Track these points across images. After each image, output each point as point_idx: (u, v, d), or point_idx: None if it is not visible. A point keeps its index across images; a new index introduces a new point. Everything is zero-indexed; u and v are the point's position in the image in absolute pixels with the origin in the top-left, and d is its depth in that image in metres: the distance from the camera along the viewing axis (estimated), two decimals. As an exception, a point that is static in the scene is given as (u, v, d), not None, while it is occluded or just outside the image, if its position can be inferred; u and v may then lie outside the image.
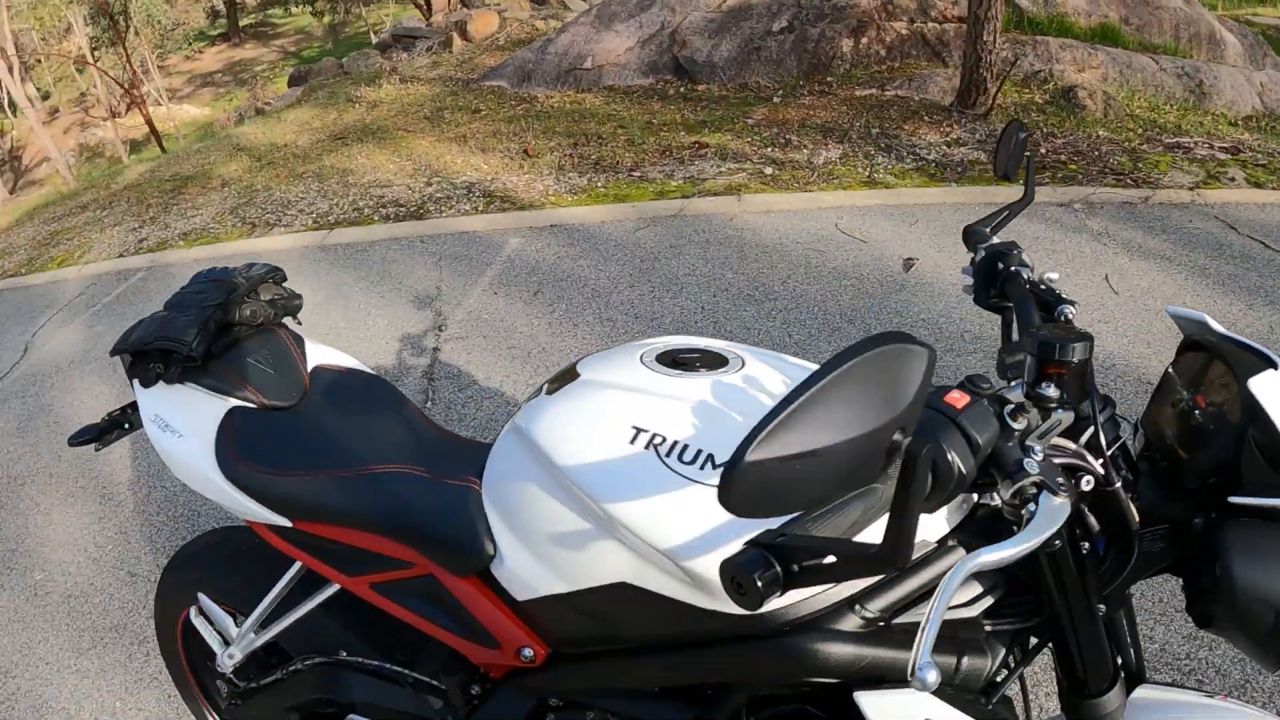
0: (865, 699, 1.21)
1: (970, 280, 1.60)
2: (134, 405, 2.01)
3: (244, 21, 47.85)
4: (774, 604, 1.17)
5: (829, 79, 8.59)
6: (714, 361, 1.40)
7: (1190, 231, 4.95)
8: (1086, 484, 1.08)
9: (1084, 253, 4.74)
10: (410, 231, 6.20)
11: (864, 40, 8.80)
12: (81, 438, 1.93)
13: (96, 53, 31.40)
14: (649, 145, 7.15)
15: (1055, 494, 0.96)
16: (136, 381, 1.87)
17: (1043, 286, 1.45)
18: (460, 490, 1.58)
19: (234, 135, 12.38)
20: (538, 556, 1.42)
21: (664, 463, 1.24)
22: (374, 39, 28.02)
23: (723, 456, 1.22)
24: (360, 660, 1.82)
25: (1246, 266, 4.47)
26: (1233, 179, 5.81)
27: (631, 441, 1.28)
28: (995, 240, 1.64)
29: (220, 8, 46.00)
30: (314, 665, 1.86)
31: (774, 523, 1.01)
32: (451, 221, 6.21)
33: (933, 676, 0.81)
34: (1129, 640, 1.29)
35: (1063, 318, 1.35)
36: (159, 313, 1.87)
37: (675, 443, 1.25)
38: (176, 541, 3.76)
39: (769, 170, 6.22)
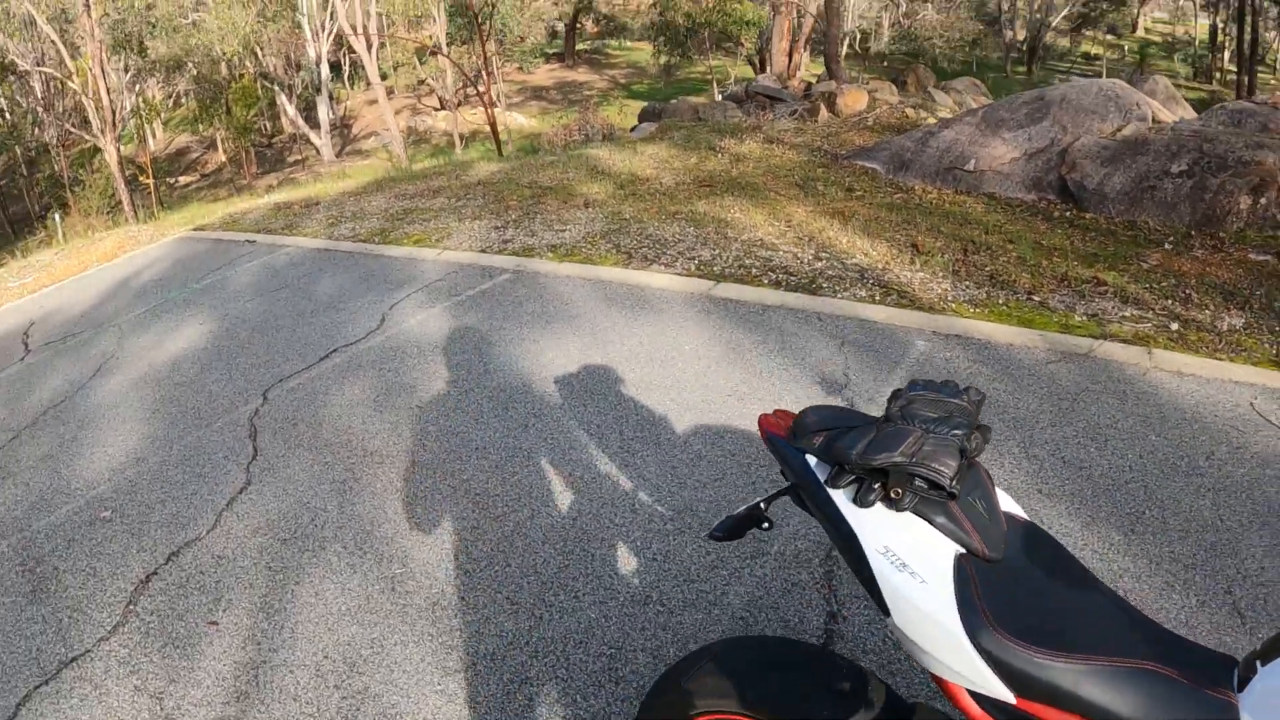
0: None
1: None
2: (766, 500, 2.00)
3: (580, 46, 50.17)
4: None
5: (1221, 234, 8.41)
6: None
7: None
8: None
9: None
10: (804, 304, 6.41)
11: (1263, 200, 8.57)
12: (718, 533, 1.99)
13: (449, 47, 33.44)
14: (1044, 269, 7.20)
15: None
16: (841, 494, 1.75)
17: None
18: (1219, 703, 1.53)
19: (588, 156, 12.95)
20: None
21: None
22: (717, 89, 28.86)
23: None
24: None
25: None
26: None
27: None
28: None
29: (560, 29, 48.41)
30: None
31: None
32: (848, 305, 6.40)
33: None
34: None
35: None
36: (850, 435, 1.75)
37: None
38: (565, 579, 3.72)
39: (1174, 326, 6.17)
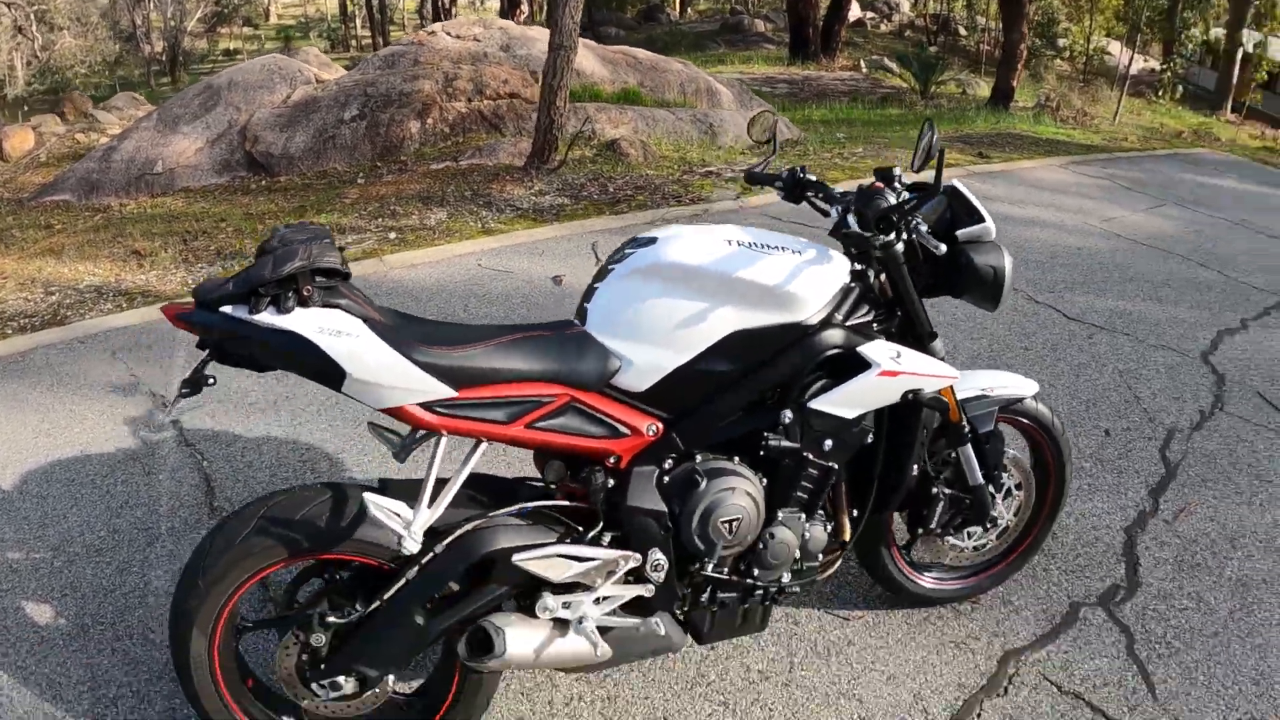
0: (866, 349, 2.50)
1: (779, 193, 2.95)
2: (196, 369, 2.17)
3: None
4: (819, 310, 2.45)
5: (403, 158, 9.45)
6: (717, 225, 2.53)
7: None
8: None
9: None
10: (60, 337, 6.23)
11: (429, 121, 9.74)
12: (184, 393, 2.15)
13: None
14: (260, 232, 7.63)
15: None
16: (266, 315, 2.04)
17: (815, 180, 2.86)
18: (575, 335, 2.36)
19: None
20: (662, 346, 2.34)
21: (754, 250, 2.41)
22: None
23: (777, 244, 2.45)
24: (511, 511, 2.36)
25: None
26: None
27: (730, 245, 2.41)
28: (770, 169, 2.95)
29: None
30: (472, 530, 2.28)
31: None
32: (100, 321, 6.31)
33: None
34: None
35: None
36: (255, 264, 2.08)
37: (752, 243, 2.43)
38: None
39: (392, 235, 6.95)
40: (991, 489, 2.98)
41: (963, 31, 33.94)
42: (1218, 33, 30.37)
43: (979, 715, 2.84)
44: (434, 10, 39.82)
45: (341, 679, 2.32)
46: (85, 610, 3.32)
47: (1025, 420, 3.07)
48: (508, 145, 9.04)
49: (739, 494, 2.43)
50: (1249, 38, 28.79)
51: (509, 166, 8.52)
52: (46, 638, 3.19)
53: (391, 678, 2.38)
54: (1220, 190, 10.14)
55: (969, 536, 3.05)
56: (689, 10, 48.79)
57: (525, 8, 42.23)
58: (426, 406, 2.17)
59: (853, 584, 3.40)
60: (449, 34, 11.94)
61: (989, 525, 3.03)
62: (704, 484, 2.41)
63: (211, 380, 2.18)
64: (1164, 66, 22.24)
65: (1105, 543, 3.70)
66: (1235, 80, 27.65)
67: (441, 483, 2.28)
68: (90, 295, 7.00)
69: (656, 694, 2.88)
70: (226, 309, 2.07)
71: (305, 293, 2.06)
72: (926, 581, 3.17)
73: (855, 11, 31.15)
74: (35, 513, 4.00)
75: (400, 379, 2.11)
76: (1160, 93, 20.65)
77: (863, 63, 25.34)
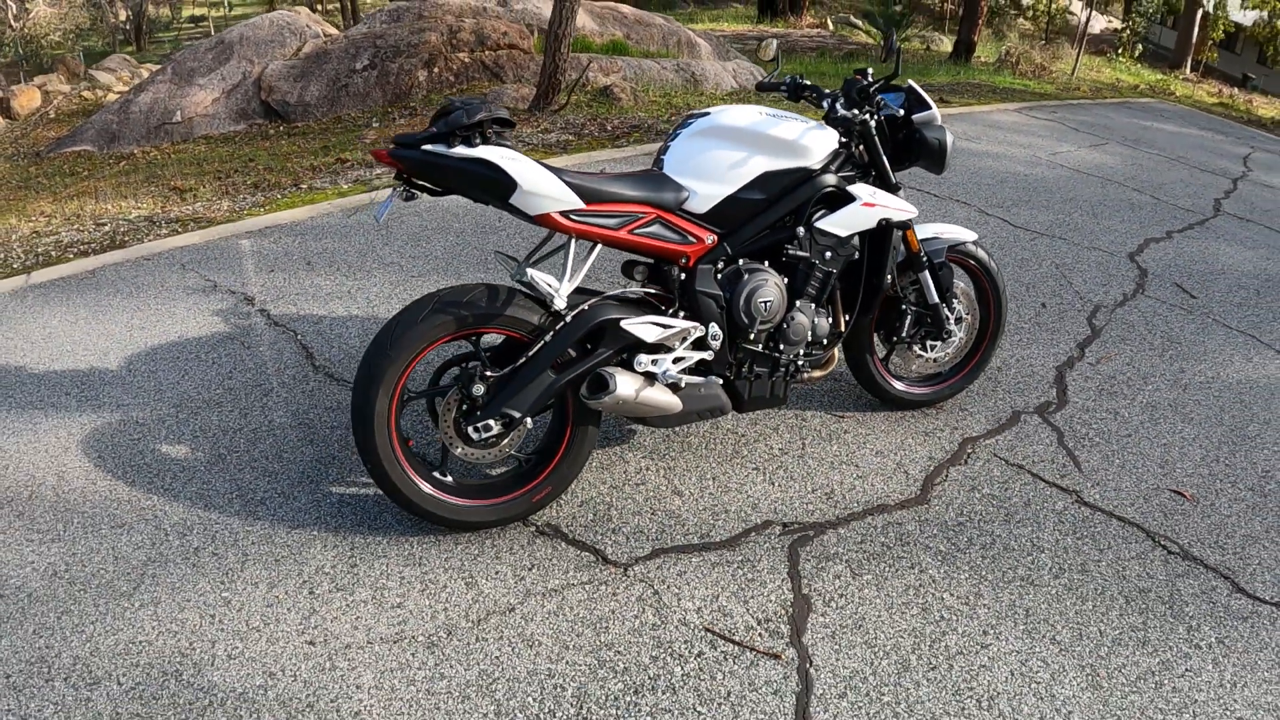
0: (852, 188, 3.62)
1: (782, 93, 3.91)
2: (405, 194, 3.00)
3: None
4: (820, 161, 3.55)
5: (412, 104, 10.22)
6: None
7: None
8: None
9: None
10: (123, 257, 6.67)
11: (436, 70, 10.53)
12: (401, 195, 2.99)
13: None
14: (292, 168, 8.38)
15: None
16: (460, 148, 2.87)
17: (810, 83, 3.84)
18: (657, 175, 3.37)
19: None
20: (717, 181, 3.36)
21: (777, 119, 3.46)
22: None
23: (792, 117, 3.51)
24: (616, 294, 3.34)
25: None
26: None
27: (760, 115, 3.45)
28: (776, 79, 3.90)
29: None
30: (589, 306, 3.20)
31: None
32: (160, 243, 6.79)
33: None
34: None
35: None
36: (452, 115, 2.90)
37: (775, 113, 3.48)
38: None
39: (420, 167, 7.75)
40: (946, 310, 4.00)
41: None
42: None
43: (945, 475, 3.84)
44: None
45: (492, 421, 3.17)
46: (218, 445, 3.88)
47: (970, 261, 4.12)
48: (510, 91, 9.86)
49: (769, 285, 3.44)
50: (1209, -4, 29.63)
51: (513, 110, 9.32)
52: (187, 466, 3.72)
53: (528, 421, 3.24)
54: (1163, 133, 11.16)
55: (931, 349, 4.08)
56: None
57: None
58: (564, 214, 3.06)
59: (846, 394, 4.43)
60: (446, -10, 12.70)
61: (945, 337, 4.04)
62: (746, 277, 3.43)
63: (410, 198, 3.04)
64: (1124, 24, 22.95)
65: (1040, 375, 4.72)
66: (1195, 39, 28.56)
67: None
68: (142, 224, 7.55)
69: (705, 464, 3.83)
70: (427, 147, 2.92)
71: (488, 134, 2.97)
72: (900, 385, 4.19)
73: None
74: (148, 384, 4.43)
75: (553, 190, 3.01)
76: (1120, 50, 21.45)
77: (830, 20, 26.15)
